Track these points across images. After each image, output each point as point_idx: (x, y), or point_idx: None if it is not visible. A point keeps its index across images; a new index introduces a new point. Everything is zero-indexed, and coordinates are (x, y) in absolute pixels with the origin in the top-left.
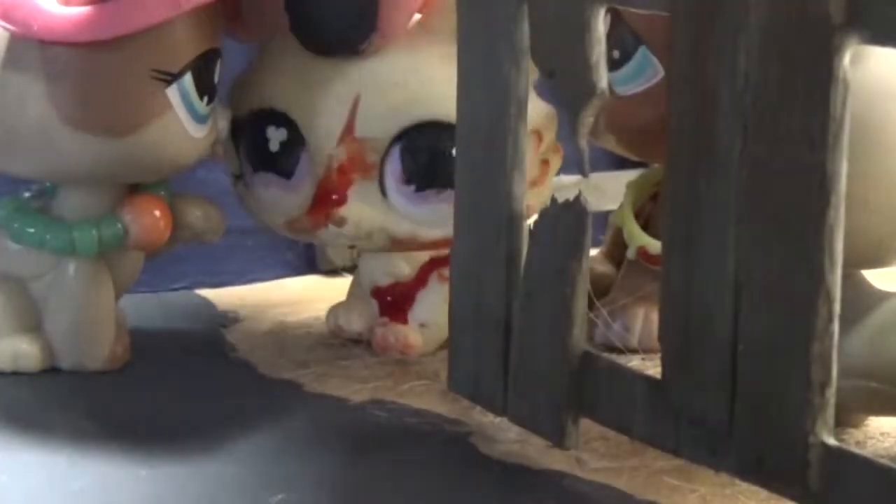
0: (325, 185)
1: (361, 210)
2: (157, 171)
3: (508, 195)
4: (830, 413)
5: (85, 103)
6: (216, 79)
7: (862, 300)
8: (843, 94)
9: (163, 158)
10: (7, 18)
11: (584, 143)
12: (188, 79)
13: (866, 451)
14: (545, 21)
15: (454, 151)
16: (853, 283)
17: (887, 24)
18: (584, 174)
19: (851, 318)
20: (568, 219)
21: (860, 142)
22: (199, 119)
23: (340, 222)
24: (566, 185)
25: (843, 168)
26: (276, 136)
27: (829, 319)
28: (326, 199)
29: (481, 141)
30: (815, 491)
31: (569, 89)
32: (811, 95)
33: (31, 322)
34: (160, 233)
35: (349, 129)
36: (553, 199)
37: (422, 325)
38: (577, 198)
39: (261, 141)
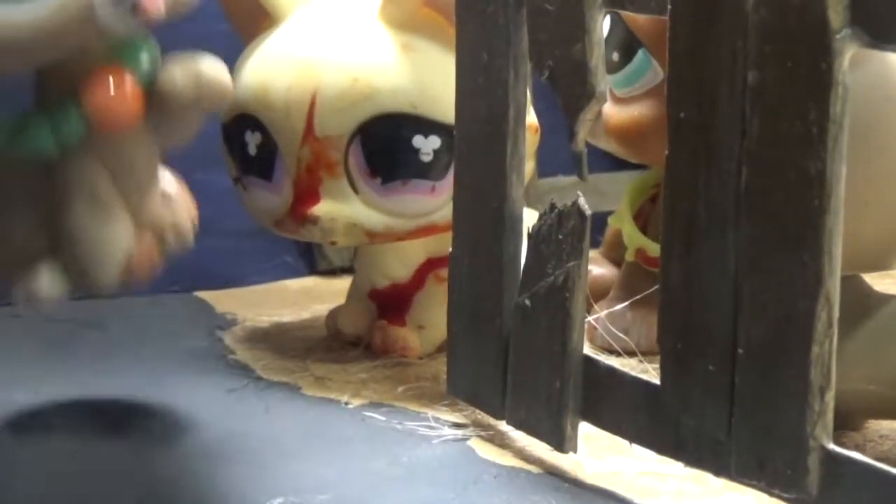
0: (300, 186)
1: (333, 208)
2: None
3: (507, 198)
4: (830, 417)
5: None
6: None
7: (861, 303)
8: (843, 97)
9: None
10: None
11: (582, 145)
12: None
13: (865, 455)
14: (544, 24)
15: (415, 141)
16: (853, 287)
17: (887, 28)
18: (583, 177)
19: (851, 321)
20: (567, 222)
21: (860, 145)
22: None
23: (314, 221)
24: (565, 185)
25: (843, 171)
26: (252, 140)
27: (829, 323)
28: (302, 199)
29: (480, 144)
30: (815, 494)
31: (568, 92)
32: (810, 99)
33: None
34: (124, 111)
35: (309, 128)
36: (552, 203)
37: (420, 328)
38: (577, 201)
39: (242, 145)
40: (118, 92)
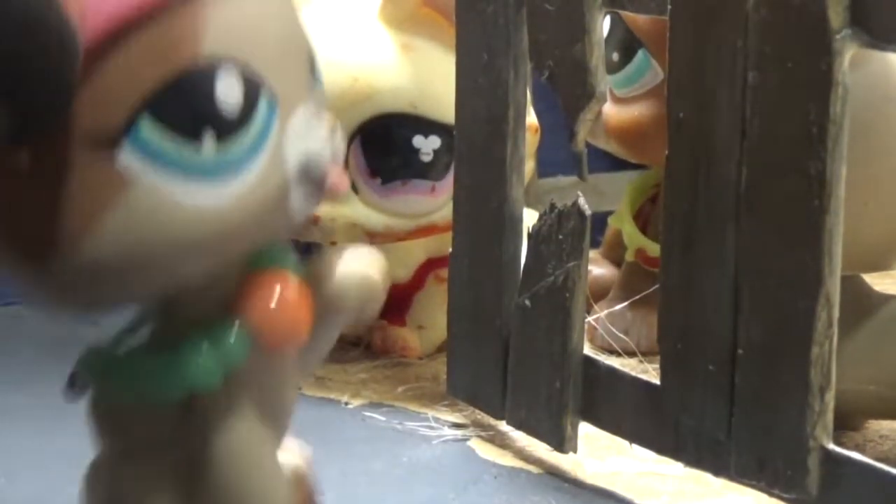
0: None
1: (332, 208)
2: (160, 276)
3: (507, 198)
4: (830, 417)
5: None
6: (227, 99)
7: (861, 303)
8: (843, 97)
9: (151, 257)
10: None
11: (582, 145)
12: (148, 125)
13: (865, 455)
14: (544, 24)
15: (415, 141)
16: (853, 287)
17: (887, 28)
18: (583, 177)
19: (851, 321)
20: (567, 222)
21: (860, 145)
22: (207, 172)
23: (314, 221)
24: (565, 185)
25: (843, 172)
26: None
27: (829, 323)
28: None
29: (480, 145)
30: (815, 494)
31: (568, 92)
32: (810, 99)
33: None
34: (297, 322)
35: None
36: (552, 203)
37: (419, 328)
38: (577, 201)
39: None
40: (289, 302)
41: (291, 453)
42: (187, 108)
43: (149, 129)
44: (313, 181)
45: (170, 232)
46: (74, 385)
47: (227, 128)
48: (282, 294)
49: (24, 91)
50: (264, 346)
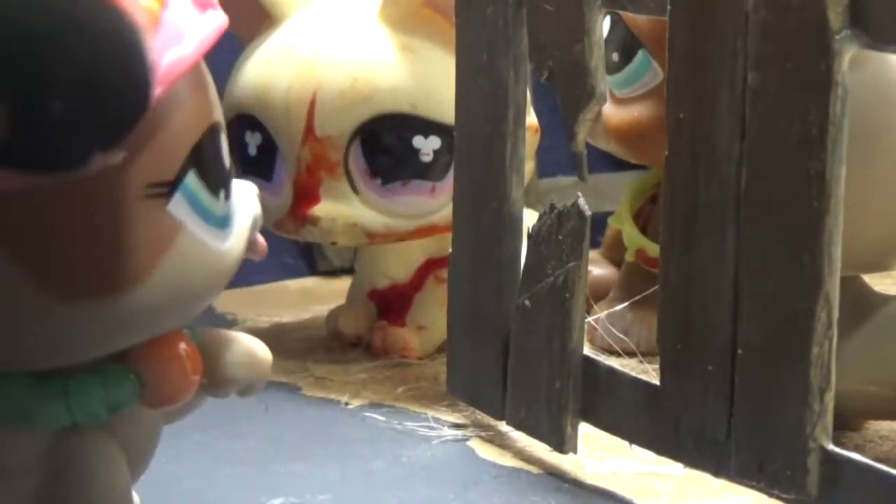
0: (300, 186)
1: (333, 208)
2: (179, 317)
3: (507, 199)
4: (829, 418)
5: (65, 260)
6: (226, 160)
7: (861, 304)
8: (842, 98)
9: (185, 299)
10: None
11: (582, 145)
12: (192, 178)
13: (865, 455)
14: (544, 24)
15: (415, 142)
16: (853, 287)
17: (886, 29)
18: (583, 178)
19: (851, 322)
20: (567, 223)
21: (859, 146)
22: (219, 223)
23: (315, 221)
24: (565, 185)
25: (842, 173)
26: (252, 141)
27: (829, 324)
28: (302, 200)
29: (480, 145)
30: (815, 495)
31: (567, 92)
32: (810, 100)
33: None
34: (187, 383)
35: (309, 128)
36: (552, 204)
37: (419, 328)
38: (576, 202)
39: (241, 146)
40: (183, 365)
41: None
42: (216, 162)
43: (193, 181)
44: (255, 235)
45: (206, 274)
46: None
47: (230, 182)
48: (178, 356)
49: (107, 104)
50: (150, 400)
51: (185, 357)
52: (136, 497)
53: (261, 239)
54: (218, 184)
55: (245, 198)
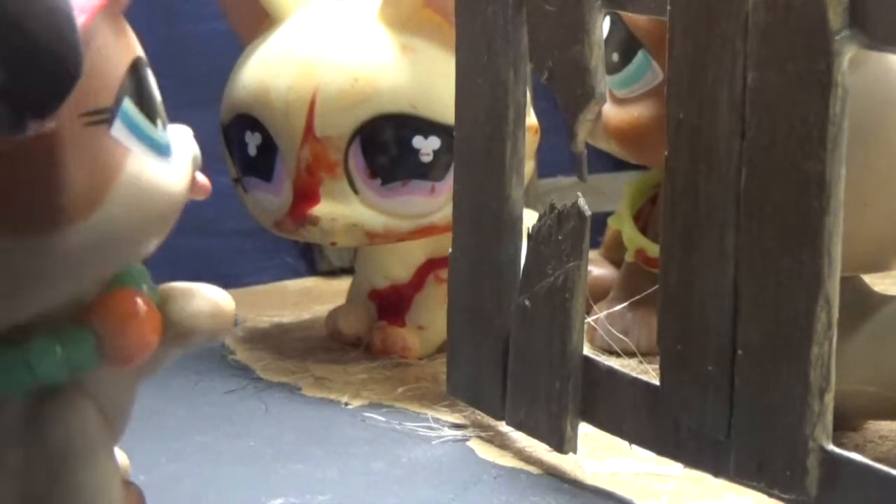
0: (299, 186)
1: (333, 208)
2: (137, 248)
3: (507, 199)
4: (829, 418)
5: (13, 198)
6: (156, 93)
7: (861, 304)
8: (842, 98)
9: (141, 225)
10: None
11: (582, 146)
12: (129, 105)
13: (865, 455)
14: (544, 24)
15: (414, 142)
16: (852, 287)
17: (886, 30)
18: (583, 178)
19: (851, 321)
20: (567, 223)
21: (859, 146)
22: (162, 150)
23: (314, 221)
24: (565, 186)
25: (842, 173)
26: (252, 141)
27: (829, 324)
28: (302, 200)
29: (480, 145)
30: (815, 495)
31: (568, 92)
32: (810, 100)
33: None
34: (146, 341)
35: (309, 129)
36: (552, 204)
37: (419, 328)
38: (576, 202)
39: (242, 146)
40: (141, 323)
41: (119, 456)
42: (149, 92)
43: (130, 107)
44: (196, 174)
45: (158, 200)
46: None
47: (163, 113)
48: (135, 313)
49: (39, 77)
50: (110, 358)
51: (143, 315)
52: (121, 455)
53: (203, 178)
54: (153, 112)
55: (182, 138)
